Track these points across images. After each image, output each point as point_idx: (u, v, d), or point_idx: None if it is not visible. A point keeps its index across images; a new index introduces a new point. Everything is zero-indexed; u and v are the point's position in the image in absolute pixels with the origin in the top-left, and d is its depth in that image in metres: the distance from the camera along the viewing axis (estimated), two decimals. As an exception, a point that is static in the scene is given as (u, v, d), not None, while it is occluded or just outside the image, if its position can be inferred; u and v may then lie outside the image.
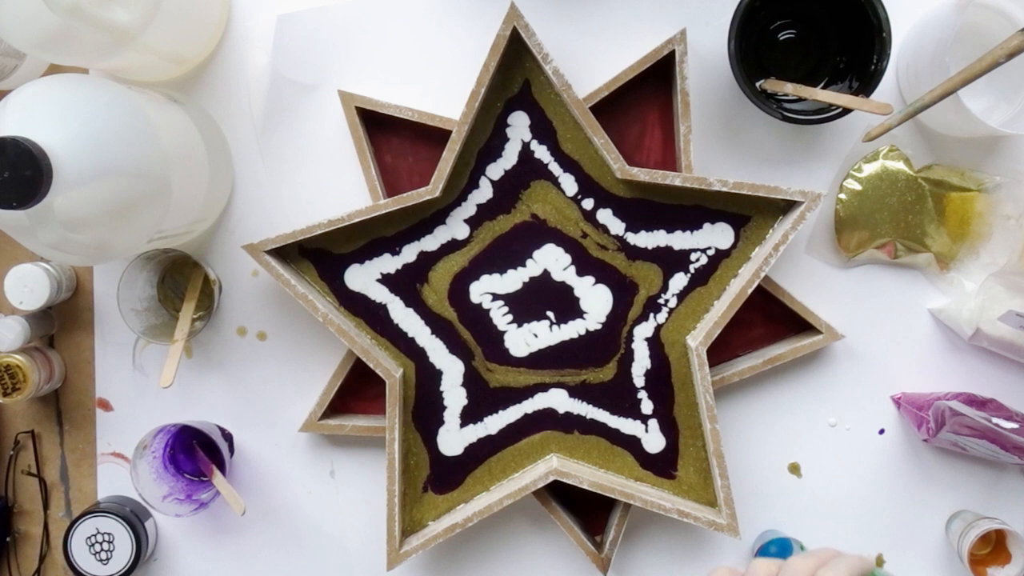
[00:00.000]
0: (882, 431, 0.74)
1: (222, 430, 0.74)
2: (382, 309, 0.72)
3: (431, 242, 0.71)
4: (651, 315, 0.72)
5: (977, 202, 0.71)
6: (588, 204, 0.71)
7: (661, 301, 0.71)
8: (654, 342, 0.72)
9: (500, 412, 0.72)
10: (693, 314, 0.71)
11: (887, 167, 0.71)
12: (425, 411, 0.72)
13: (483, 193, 0.71)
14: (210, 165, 0.68)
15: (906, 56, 0.70)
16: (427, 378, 0.72)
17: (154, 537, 0.75)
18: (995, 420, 0.64)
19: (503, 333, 0.72)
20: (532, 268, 0.71)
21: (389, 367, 0.70)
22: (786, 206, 0.70)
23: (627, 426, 0.72)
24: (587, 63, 0.71)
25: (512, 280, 0.72)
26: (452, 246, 0.71)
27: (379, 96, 0.71)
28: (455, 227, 0.71)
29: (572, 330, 0.72)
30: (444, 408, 0.72)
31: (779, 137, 0.72)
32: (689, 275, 0.71)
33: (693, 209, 0.71)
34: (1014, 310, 0.66)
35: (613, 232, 0.71)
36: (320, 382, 0.73)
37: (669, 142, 0.71)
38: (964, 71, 0.58)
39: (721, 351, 0.73)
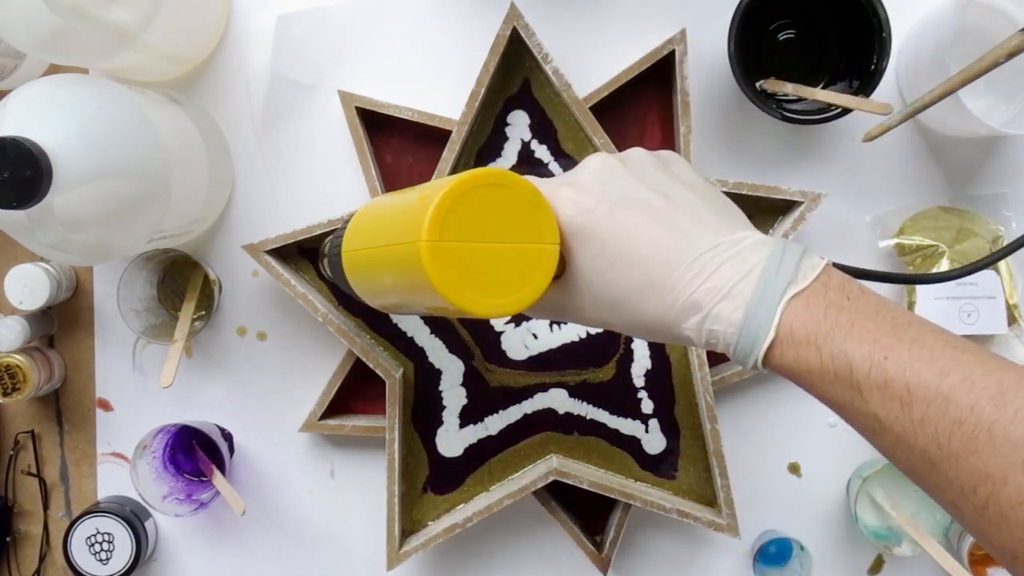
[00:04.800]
0: (882, 431, 0.74)
1: (222, 430, 0.74)
2: (382, 309, 0.72)
3: (431, 242, 0.71)
4: (651, 315, 0.71)
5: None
6: (588, 204, 0.71)
7: (661, 301, 0.71)
8: (655, 342, 0.72)
9: (500, 412, 0.72)
10: (693, 314, 0.71)
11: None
12: (424, 412, 0.72)
13: (483, 193, 0.71)
14: (210, 165, 0.68)
15: (906, 56, 0.70)
16: (426, 378, 0.72)
17: (154, 537, 0.75)
18: None
19: (501, 334, 0.72)
20: (532, 268, 0.71)
21: (389, 367, 0.70)
22: (786, 206, 0.69)
23: (627, 426, 0.72)
24: (587, 63, 0.71)
25: (512, 280, 0.71)
26: (452, 246, 0.71)
27: (379, 96, 0.70)
28: (455, 227, 0.71)
29: (572, 332, 0.72)
30: (443, 408, 0.72)
31: (779, 137, 0.72)
32: (689, 275, 0.71)
33: (693, 209, 0.70)
34: None
35: (613, 232, 0.71)
36: (320, 382, 0.73)
37: (669, 142, 0.71)
38: (964, 71, 0.58)
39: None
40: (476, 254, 0.40)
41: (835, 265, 0.41)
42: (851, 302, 0.38)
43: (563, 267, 0.43)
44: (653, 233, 0.41)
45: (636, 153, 0.45)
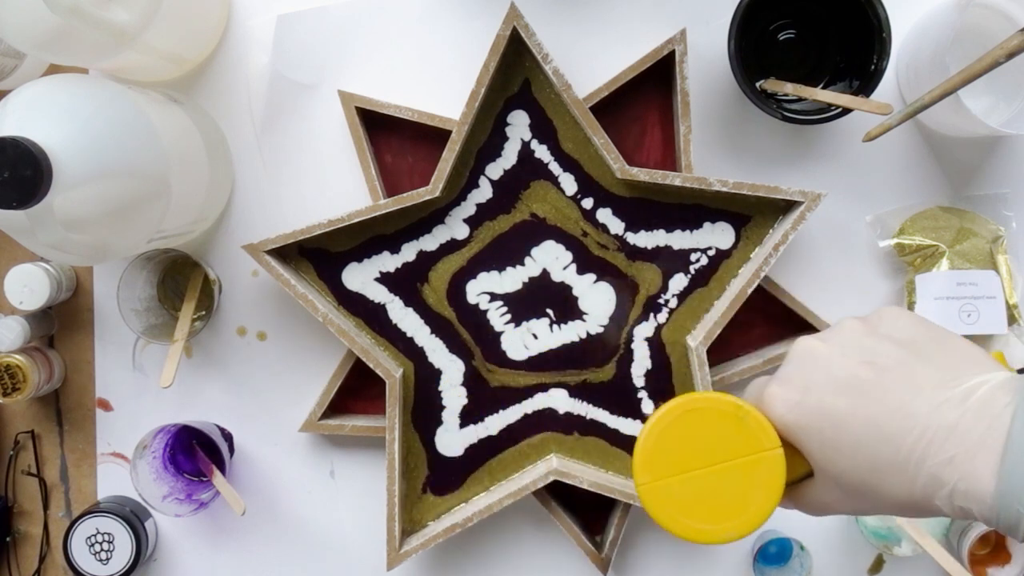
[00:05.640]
0: (882, 431, 0.74)
1: (222, 430, 0.74)
2: (381, 309, 0.72)
3: (430, 242, 0.71)
4: (651, 315, 0.72)
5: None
6: (588, 203, 0.71)
7: (661, 301, 0.71)
8: (655, 342, 0.72)
9: (500, 412, 0.72)
10: (693, 314, 0.71)
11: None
12: (424, 412, 0.72)
13: (483, 193, 0.71)
14: (210, 165, 0.68)
15: (906, 56, 0.70)
16: (426, 378, 0.72)
17: (154, 537, 0.75)
18: None
19: (500, 334, 0.72)
20: (531, 267, 0.71)
21: (389, 367, 0.70)
22: (786, 206, 0.69)
23: (627, 426, 0.72)
24: (587, 63, 0.71)
25: (511, 279, 0.72)
26: (451, 246, 0.71)
27: (379, 96, 0.71)
28: (454, 227, 0.71)
29: (572, 332, 0.72)
30: (443, 408, 0.72)
31: (779, 137, 0.72)
32: (689, 275, 0.71)
33: (693, 209, 0.71)
34: None
35: (613, 232, 0.71)
36: (320, 382, 0.73)
37: (669, 142, 0.71)
38: (964, 71, 0.58)
39: (721, 351, 0.72)
40: (695, 482, 0.40)
41: None
42: None
43: (809, 467, 0.41)
44: (866, 410, 0.38)
45: (841, 325, 0.42)
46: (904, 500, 0.37)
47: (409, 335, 0.72)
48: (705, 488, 0.40)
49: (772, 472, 0.40)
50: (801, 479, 0.41)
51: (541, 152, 0.71)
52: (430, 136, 0.71)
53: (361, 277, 0.72)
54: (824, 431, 0.39)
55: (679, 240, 0.71)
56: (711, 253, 0.71)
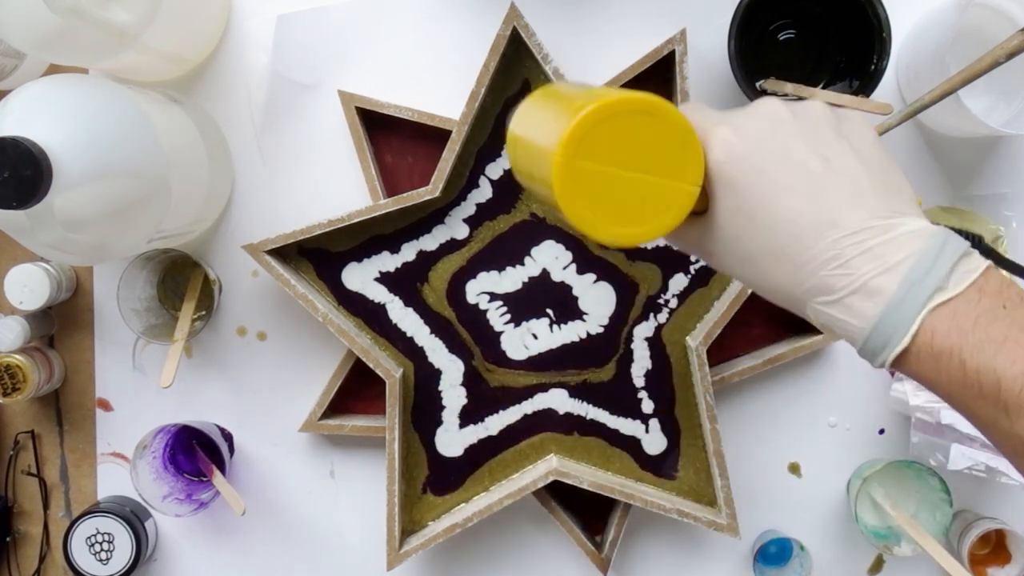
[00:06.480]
0: (882, 431, 0.74)
1: (222, 430, 0.74)
2: (381, 309, 0.72)
3: (430, 242, 0.71)
4: (651, 315, 0.72)
5: None
6: (588, 204, 0.71)
7: (661, 301, 0.71)
8: (655, 342, 0.72)
9: (500, 412, 0.72)
10: (693, 314, 0.71)
11: None
12: (423, 412, 0.72)
13: (483, 193, 0.71)
14: (210, 165, 0.68)
15: (906, 56, 0.70)
16: (426, 378, 0.72)
17: (154, 537, 0.75)
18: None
19: (500, 334, 0.72)
20: (531, 267, 0.71)
21: (389, 367, 0.70)
22: (786, 206, 0.69)
23: (627, 426, 0.72)
24: (587, 63, 0.71)
25: (511, 279, 0.72)
26: (451, 246, 0.71)
27: (379, 96, 0.71)
28: (454, 227, 0.71)
29: (572, 333, 0.72)
30: (442, 408, 0.72)
31: (779, 137, 0.72)
32: (689, 275, 0.71)
33: (693, 209, 0.71)
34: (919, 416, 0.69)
35: (613, 232, 0.71)
36: (320, 382, 0.73)
37: (669, 142, 0.71)
38: (964, 71, 0.58)
39: (721, 351, 0.72)
40: (609, 179, 0.38)
41: (998, 261, 0.38)
42: (1007, 312, 0.34)
43: (706, 204, 0.40)
44: (797, 201, 0.37)
45: (812, 107, 0.41)
46: (780, 290, 0.39)
47: (409, 335, 0.72)
48: (614, 189, 0.38)
49: (680, 204, 0.39)
50: (692, 213, 0.40)
51: (541, 152, 0.71)
52: (430, 136, 0.71)
53: (361, 277, 0.72)
54: (748, 197, 0.38)
55: (679, 240, 0.71)
56: (711, 253, 0.71)
